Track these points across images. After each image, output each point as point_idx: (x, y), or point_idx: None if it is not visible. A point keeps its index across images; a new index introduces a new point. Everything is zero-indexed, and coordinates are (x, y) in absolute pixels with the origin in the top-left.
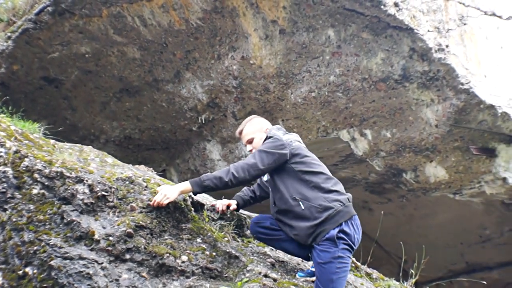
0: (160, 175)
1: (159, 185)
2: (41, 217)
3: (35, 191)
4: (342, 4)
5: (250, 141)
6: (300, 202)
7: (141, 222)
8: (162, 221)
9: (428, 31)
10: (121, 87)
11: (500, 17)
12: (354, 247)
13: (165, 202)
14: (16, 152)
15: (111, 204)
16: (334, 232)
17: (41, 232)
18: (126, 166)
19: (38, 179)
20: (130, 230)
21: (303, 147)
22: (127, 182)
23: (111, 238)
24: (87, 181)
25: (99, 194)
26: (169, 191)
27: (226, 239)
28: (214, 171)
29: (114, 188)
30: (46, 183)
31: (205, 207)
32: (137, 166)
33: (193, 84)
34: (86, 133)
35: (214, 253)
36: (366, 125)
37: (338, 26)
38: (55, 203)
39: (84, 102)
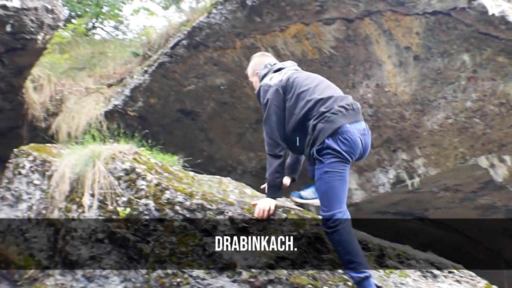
0: (296, 205)
1: (299, 216)
2: (184, 249)
3: (176, 223)
4: (476, 28)
5: (252, 84)
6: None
7: (282, 253)
8: (303, 252)
9: None
10: (256, 117)
11: None
12: (346, 156)
13: (265, 215)
14: (157, 185)
15: (252, 235)
16: (314, 150)
17: (184, 264)
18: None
19: (180, 212)
20: (272, 262)
21: (296, 78)
22: None
23: (253, 270)
24: (227, 213)
25: (240, 225)
26: (267, 204)
27: None
28: (351, 200)
29: (254, 219)
30: (188, 215)
31: None
32: None
33: None
34: (223, 164)
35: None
36: (505, 151)
37: (473, 50)
38: (197, 235)
39: (220, 134)
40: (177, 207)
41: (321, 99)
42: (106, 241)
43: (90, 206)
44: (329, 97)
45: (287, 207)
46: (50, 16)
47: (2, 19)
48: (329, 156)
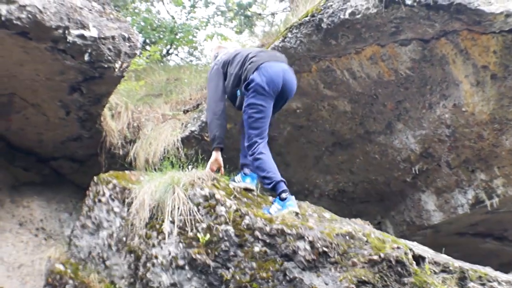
0: (375, 228)
1: (379, 239)
2: (264, 275)
3: (257, 249)
4: None
5: None
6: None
7: (363, 277)
8: (384, 275)
9: None
10: (333, 140)
11: None
12: (267, 89)
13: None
14: (236, 210)
15: (332, 260)
16: (243, 86)
17: None
18: (344, 220)
19: (259, 237)
20: (353, 286)
21: (231, 54)
22: (347, 237)
23: None
24: (307, 237)
25: (320, 250)
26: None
27: None
28: (429, 222)
29: (334, 243)
30: (268, 241)
31: (427, 260)
32: (353, 220)
33: (405, 134)
34: (300, 188)
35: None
36: None
37: None
38: (277, 260)
39: (297, 157)
40: (257, 233)
41: (250, 53)
42: (187, 268)
43: (170, 233)
44: (258, 51)
45: (367, 231)
46: (127, 44)
47: (81, 48)
48: (252, 90)
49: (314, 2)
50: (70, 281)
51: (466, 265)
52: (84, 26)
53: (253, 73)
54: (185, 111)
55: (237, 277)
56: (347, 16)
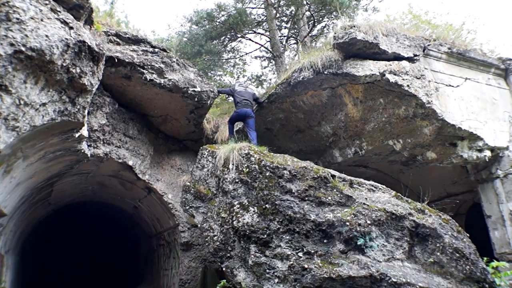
0: (315, 164)
1: (317, 168)
2: (270, 184)
3: (267, 174)
4: None
5: None
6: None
7: (310, 184)
8: (318, 184)
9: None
10: (296, 129)
11: (453, 86)
12: (237, 116)
13: None
14: (258, 158)
15: (298, 177)
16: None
17: None
18: (302, 162)
19: (268, 169)
20: (306, 187)
21: (239, 89)
22: (304, 168)
23: None
24: (287, 168)
25: (293, 173)
26: None
27: None
28: (336, 161)
29: (299, 171)
30: (271, 170)
31: (336, 176)
32: (306, 161)
33: (326, 126)
34: (283, 149)
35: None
36: None
37: None
38: (275, 178)
39: (282, 137)
40: (267, 167)
41: (242, 97)
42: (239, 182)
43: (232, 168)
44: (243, 98)
45: (313, 165)
46: (212, 93)
47: (193, 95)
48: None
49: (287, 73)
50: (192, 189)
51: (352, 177)
52: (195, 86)
53: (237, 110)
54: None
55: (258, 185)
56: (300, 79)
